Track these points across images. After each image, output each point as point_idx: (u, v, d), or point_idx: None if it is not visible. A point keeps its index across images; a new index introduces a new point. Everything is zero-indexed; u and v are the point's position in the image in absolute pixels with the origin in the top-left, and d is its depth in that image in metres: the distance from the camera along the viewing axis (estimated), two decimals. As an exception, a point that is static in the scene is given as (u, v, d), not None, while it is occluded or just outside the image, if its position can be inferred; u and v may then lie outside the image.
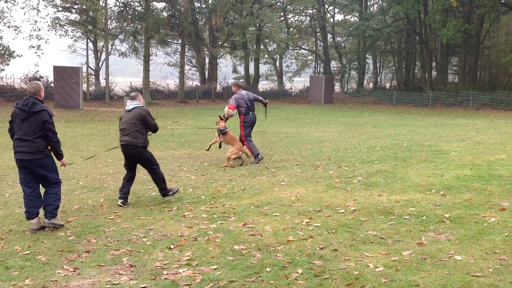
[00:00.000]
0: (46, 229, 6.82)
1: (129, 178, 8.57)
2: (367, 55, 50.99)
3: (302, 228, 6.49)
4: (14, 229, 6.89)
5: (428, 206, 7.32)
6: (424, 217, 6.75)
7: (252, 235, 6.28)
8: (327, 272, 4.97)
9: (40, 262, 5.55)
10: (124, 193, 8.39)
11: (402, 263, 5.15)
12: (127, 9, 38.70)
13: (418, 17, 43.07)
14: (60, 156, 7.10)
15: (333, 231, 6.32)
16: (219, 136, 12.32)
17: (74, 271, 5.24)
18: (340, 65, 54.03)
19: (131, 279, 5.00)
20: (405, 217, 6.81)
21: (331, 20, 53.24)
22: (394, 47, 51.07)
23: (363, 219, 6.78)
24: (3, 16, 35.66)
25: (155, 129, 8.53)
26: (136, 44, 38.26)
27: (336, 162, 11.81)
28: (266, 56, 50.20)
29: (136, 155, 8.36)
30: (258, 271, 5.08)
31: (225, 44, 44.93)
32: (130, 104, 8.45)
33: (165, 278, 4.98)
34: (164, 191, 8.60)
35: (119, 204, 8.23)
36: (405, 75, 49.56)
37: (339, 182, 9.43)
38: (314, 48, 54.71)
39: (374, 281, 4.71)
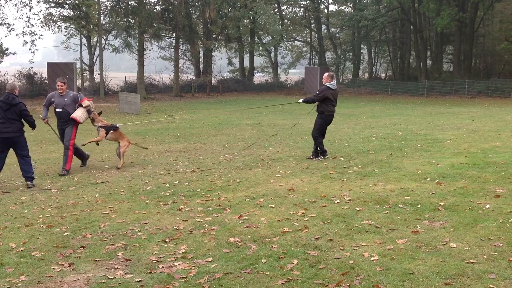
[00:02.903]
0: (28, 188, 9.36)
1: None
2: (362, 45, 50.97)
3: (297, 219, 6.49)
4: (9, 226, 6.86)
5: (423, 195, 7.32)
6: (419, 206, 6.76)
7: (247, 227, 6.28)
8: (322, 262, 4.97)
9: (35, 258, 5.53)
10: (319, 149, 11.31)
11: (397, 251, 5.15)
12: (120, 3, 38.53)
13: (412, 6, 43.03)
14: (34, 126, 10.03)
15: (328, 221, 6.32)
16: (106, 133, 11.33)
17: (69, 266, 5.23)
18: (335, 56, 53.98)
19: (126, 273, 4.99)
20: (400, 206, 6.82)
21: (325, 11, 53.12)
22: (389, 37, 51.05)
23: (358, 209, 6.78)
24: (-4, 13, 35.46)
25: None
26: (129, 39, 38.11)
27: (332, 153, 11.81)
28: (260, 48, 50.10)
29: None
30: (254, 262, 5.08)
31: (219, 37, 44.82)
32: (335, 84, 11.24)
33: (160, 272, 4.97)
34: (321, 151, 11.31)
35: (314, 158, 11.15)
36: (400, 64, 49.58)
37: (334, 173, 9.43)
38: (309, 39, 54.63)
39: (369, 270, 4.72)
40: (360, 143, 13.25)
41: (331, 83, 11.15)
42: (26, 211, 7.69)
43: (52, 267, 5.22)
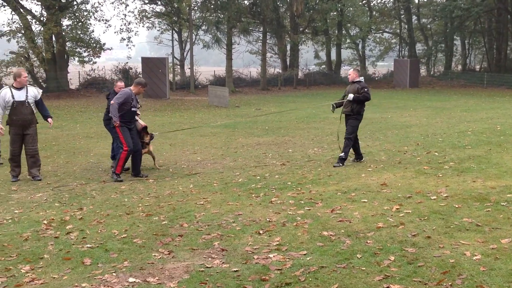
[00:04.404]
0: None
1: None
2: (455, 36, 48.80)
3: (392, 215, 6.35)
4: (111, 213, 7.23)
5: (528, 193, 6.94)
6: (523, 204, 6.41)
7: (340, 221, 6.23)
8: (421, 260, 4.84)
9: (137, 245, 5.79)
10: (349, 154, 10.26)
11: (501, 251, 4.92)
12: (210, -1, 39.29)
13: (510, -6, 40.63)
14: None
15: (425, 218, 6.14)
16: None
17: (169, 254, 5.43)
18: (426, 47, 52.09)
19: (223, 262, 5.11)
20: (502, 203, 6.50)
21: (416, 1, 51.35)
22: (484, 27, 48.53)
23: (456, 206, 6.54)
24: (95, 11, 37.32)
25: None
26: (218, 34, 38.76)
27: (425, 147, 11.45)
28: (348, 41, 49.28)
29: None
30: (349, 257, 5.04)
31: (306, 30, 44.61)
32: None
33: (256, 263, 5.05)
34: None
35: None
36: (497, 56, 46.97)
37: (429, 168, 9.14)
38: (398, 31, 53.08)
39: (472, 270, 4.53)
40: (455, 138, 12.74)
41: (361, 78, 10.29)
42: (126, 199, 8.06)
43: (153, 254, 5.44)
